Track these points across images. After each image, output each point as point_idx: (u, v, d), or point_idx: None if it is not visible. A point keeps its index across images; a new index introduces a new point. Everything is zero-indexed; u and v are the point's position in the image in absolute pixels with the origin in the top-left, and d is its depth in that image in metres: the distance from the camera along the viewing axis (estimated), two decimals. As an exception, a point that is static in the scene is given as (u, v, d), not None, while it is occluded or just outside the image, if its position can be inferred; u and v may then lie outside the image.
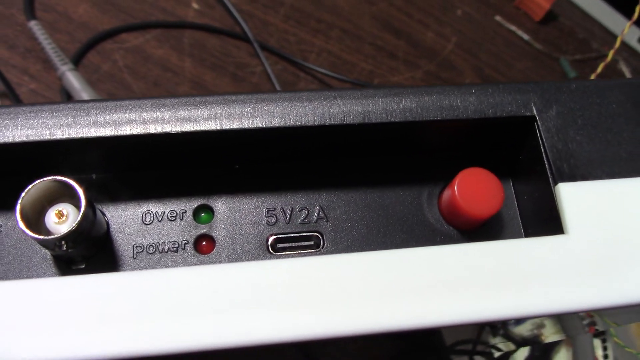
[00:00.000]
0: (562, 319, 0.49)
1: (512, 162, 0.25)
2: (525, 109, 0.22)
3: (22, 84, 0.46)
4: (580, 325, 0.49)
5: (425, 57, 0.61)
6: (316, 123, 0.21)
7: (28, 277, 0.21)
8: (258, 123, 0.21)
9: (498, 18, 0.65)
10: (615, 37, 0.68)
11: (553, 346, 0.50)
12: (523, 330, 0.50)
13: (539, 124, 0.22)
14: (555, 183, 0.22)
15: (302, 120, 0.21)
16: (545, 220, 0.22)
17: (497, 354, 0.49)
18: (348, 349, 0.49)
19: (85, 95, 0.45)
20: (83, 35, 0.49)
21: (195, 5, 0.55)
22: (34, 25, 0.47)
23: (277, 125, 0.21)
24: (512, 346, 0.49)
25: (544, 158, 0.22)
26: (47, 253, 0.22)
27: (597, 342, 0.49)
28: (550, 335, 0.50)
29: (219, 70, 0.53)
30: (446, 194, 0.23)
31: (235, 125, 0.21)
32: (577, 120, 0.23)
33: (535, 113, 0.22)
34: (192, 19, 0.54)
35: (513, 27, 0.65)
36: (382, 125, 0.22)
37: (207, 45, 0.54)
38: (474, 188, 0.22)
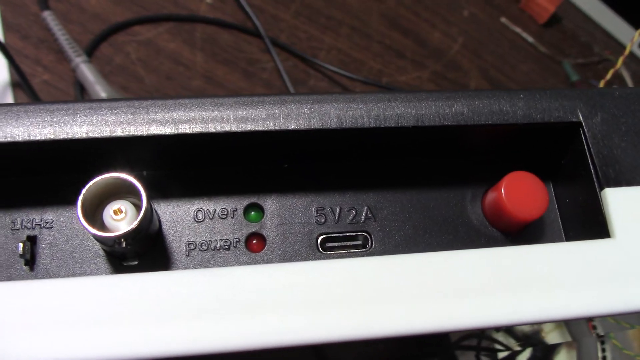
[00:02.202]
0: (568, 322, 0.50)
1: (553, 166, 0.25)
2: (572, 115, 0.23)
3: (36, 74, 0.45)
4: (586, 328, 0.50)
5: (432, 56, 0.62)
6: (371, 125, 0.22)
7: (81, 273, 0.21)
8: (315, 124, 0.21)
9: (503, 20, 0.66)
10: (616, 41, 0.70)
11: (554, 348, 0.51)
12: (524, 325, 0.51)
13: (585, 129, 0.23)
14: (602, 188, 0.22)
15: (357, 122, 0.22)
16: (589, 224, 0.23)
17: (501, 356, 0.50)
18: (356, 349, 0.49)
19: (99, 88, 0.45)
20: (96, 26, 0.49)
21: (207, -1, 0.55)
22: (47, 15, 0.46)
23: (333, 126, 0.21)
24: (512, 340, 0.50)
25: (590, 163, 0.23)
26: (100, 249, 0.22)
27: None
28: (550, 331, 0.51)
29: (231, 66, 0.53)
30: (491, 196, 0.24)
31: (292, 125, 0.21)
32: (620, 127, 0.23)
33: (581, 119, 0.23)
34: (204, 13, 0.54)
35: (518, 29, 0.66)
36: (435, 128, 0.22)
37: (219, 40, 0.53)
38: (520, 191, 0.23)
